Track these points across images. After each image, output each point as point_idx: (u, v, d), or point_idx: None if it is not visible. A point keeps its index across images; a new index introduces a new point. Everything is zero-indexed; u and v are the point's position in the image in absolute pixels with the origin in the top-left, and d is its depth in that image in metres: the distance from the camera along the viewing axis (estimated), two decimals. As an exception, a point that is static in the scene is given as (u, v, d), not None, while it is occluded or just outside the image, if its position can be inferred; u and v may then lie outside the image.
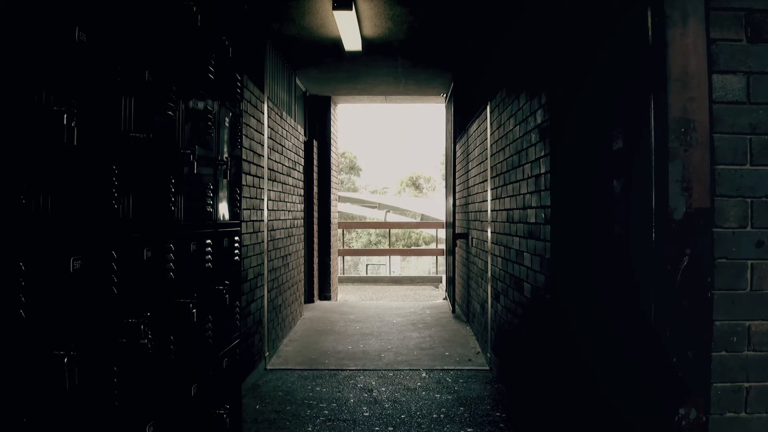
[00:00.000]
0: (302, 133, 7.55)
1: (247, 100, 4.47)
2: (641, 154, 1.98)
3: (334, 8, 4.57)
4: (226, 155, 2.69)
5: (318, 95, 8.47)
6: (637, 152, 2.03)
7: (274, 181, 5.60)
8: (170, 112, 2.03)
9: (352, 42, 5.47)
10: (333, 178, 8.85)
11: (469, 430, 3.50)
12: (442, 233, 13.47)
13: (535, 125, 3.34)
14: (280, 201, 5.90)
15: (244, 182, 4.28)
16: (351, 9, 4.55)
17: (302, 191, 7.33)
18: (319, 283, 8.59)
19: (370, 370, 4.78)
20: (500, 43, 4.45)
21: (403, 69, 6.81)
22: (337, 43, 5.66)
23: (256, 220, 4.77)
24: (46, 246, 1.32)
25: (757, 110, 1.84)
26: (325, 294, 8.68)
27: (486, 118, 5.05)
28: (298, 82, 7.37)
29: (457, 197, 7.46)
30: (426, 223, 20.52)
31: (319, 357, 5.21)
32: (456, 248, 7.56)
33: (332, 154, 8.80)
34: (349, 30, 5.09)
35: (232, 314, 2.80)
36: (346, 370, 4.78)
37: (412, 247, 24.64)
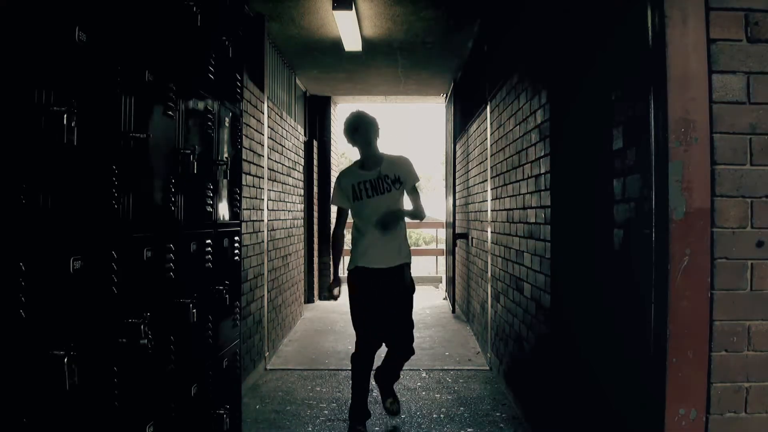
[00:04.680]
0: (302, 133, 7.55)
1: (247, 100, 4.47)
2: (641, 154, 1.98)
3: (334, 8, 4.57)
4: (226, 155, 2.69)
5: (318, 95, 8.46)
6: (637, 152, 2.03)
7: (274, 181, 5.60)
8: (170, 112, 2.03)
9: (352, 42, 5.47)
10: (333, 178, 8.85)
11: (469, 430, 3.50)
12: (442, 233, 13.46)
13: (535, 125, 3.34)
14: (280, 201, 5.90)
15: (244, 182, 4.28)
16: (351, 9, 4.55)
17: (302, 191, 7.33)
18: (320, 283, 8.59)
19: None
20: (500, 43, 4.45)
21: (403, 69, 6.81)
22: (337, 43, 5.66)
23: (256, 220, 4.77)
24: (46, 246, 1.32)
25: (757, 110, 1.83)
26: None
27: (486, 118, 5.05)
28: (298, 82, 7.37)
29: (457, 197, 7.46)
30: (426, 223, 20.49)
31: (319, 357, 5.21)
32: (456, 248, 7.56)
33: (332, 154, 8.80)
34: (349, 30, 5.09)
35: (232, 314, 2.80)
36: (346, 369, 4.78)
37: (412, 247, 24.63)
